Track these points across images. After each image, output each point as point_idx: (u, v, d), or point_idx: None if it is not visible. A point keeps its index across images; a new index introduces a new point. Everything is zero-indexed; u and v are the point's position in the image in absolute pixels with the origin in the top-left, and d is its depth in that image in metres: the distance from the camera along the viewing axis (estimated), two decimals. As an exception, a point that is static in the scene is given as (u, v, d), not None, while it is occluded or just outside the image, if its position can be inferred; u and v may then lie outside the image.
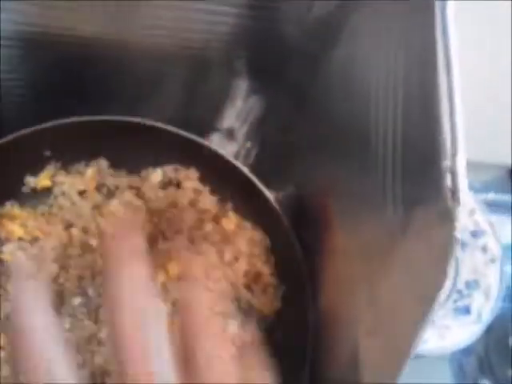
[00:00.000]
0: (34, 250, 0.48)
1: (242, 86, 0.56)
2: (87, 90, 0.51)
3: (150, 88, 0.53)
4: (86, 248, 0.49)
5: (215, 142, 0.63)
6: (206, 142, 0.53)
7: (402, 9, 0.32)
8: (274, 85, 0.54)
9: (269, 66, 0.51)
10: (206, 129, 0.62)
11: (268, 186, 0.60)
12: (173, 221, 0.50)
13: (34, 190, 0.52)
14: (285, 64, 0.51)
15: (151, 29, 0.46)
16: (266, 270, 0.51)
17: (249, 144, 0.64)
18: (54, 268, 0.48)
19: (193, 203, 0.51)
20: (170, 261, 0.47)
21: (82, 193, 0.52)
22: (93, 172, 0.53)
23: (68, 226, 0.50)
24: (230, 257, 0.50)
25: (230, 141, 0.65)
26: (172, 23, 0.45)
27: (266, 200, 0.52)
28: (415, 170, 0.29)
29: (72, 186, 0.52)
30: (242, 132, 0.64)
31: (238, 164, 0.52)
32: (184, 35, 0.47)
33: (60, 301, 0.47)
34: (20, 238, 0.49)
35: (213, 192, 0.53)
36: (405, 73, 0.31)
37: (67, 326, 0.46)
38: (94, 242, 0.49)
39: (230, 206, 0.53)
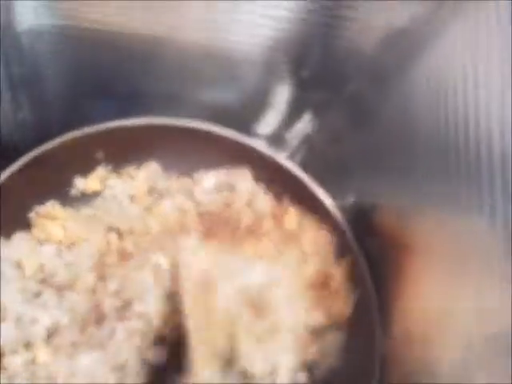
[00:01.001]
0: (71, 257, 0.46)
1: (287, 91, 0.53)
2: (124, 89, 0.50)
3: (192, 88, 0.52)
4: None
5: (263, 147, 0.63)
6: (259, 144, 0.52)
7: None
8: (332, 96, 0.52)
9: (327, 77, 0.49)
10: (248, 133, 0.61)
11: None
12: (228, 222, 0.48)
13: (83, 193, 0.50)
14: (347, 77, 0.48)
15: (195, 28, 0.44)
16: (337, 272, 0.48)
17: (298, 151, 0.62)
18: (90, 278, 0.46)
19: (249, 203, 0.49)
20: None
21: (132, 197, 0.50)
22: (144, 175, 0.51)
23: (110, 229, 0.48)
24: (295, 256, 0.47)
25: (276, 147, 0.64)
26: (217, 24, 0.43)
27: (324, 207, 0.50)
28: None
29: (123, 189, 0.50)
30: (291, 139, 0.63)
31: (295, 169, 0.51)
32: (228, 37, 0.45)
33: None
34: (59, 241, 0.47)
35: (268, 189, 0.51)
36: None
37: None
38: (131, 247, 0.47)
39: (288, 202, 0.50)
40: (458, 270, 0.35)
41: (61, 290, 0.45)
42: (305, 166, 0.61)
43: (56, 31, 0.43)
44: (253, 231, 0.48)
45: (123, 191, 0.49)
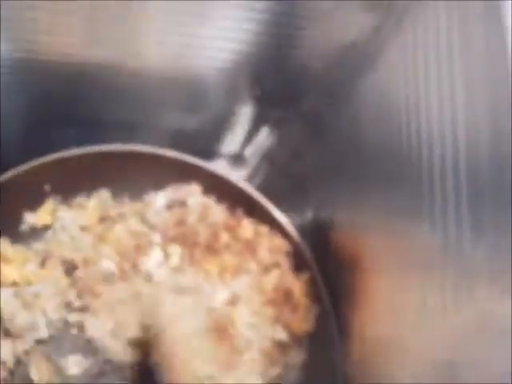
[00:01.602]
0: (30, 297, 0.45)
1: (248, 110, 0.54)
2: (86, 117, 0.50)
3: (153, 113, 0.52)
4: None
5: (221, 167, 0.62)
6: (205, 164, 0.51)
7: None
8: (289, 113, 0.53)
9: (283, 94, 0.50)
10: (210, 154, 0.62)
11: (283, 209, 0.58)
12: (186, 238, 0.48)
13: (34, 228, 0.49)
14: (302, 93, 0.49)
15: (154, 54, 0.44)
16: (296, 287, 0.47)
17: (259, 168, 0.62)
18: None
19: (202, 217, 0.48)
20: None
21: (83, 227, 0.49)
22: (95, 204, 0.50)
23: (64, 263, 0.47)
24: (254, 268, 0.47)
25: (237, 165, 0.64)
26: (177, 49, 0.44)
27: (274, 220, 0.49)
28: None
29: (74, 220, 0.49)
30: (251, 156, 0.63)
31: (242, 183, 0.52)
32: (188, 61, 0.45)
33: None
34: (15, 283, 0.45)
35: (219, 201, 0.50)
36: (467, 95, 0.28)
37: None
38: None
39: (241, 212, 0.50)
40: (403, 288, 0.35)
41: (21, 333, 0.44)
42: (266, 183, 0.63)
43: (14, 62, 0.43)
44: (211, 246, 0.48)
45: (74, 222, 0.48)
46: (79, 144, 0.49)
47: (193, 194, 0.50)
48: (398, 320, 0.36)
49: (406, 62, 0.35)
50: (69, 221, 0.49)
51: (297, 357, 0.46)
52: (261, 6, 0.38)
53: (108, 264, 0.45)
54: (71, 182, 0.49)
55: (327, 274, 0.47)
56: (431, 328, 0.31)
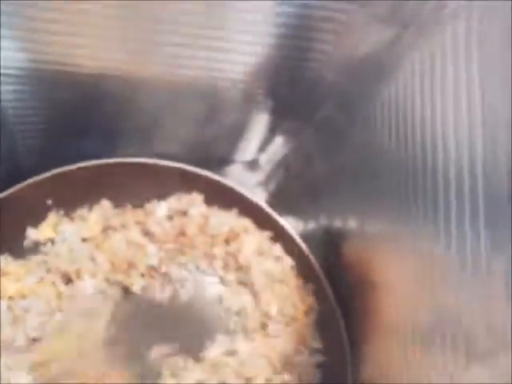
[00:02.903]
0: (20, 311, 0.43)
1: (263, 120, 0.53)
2: (100, 127, 0.49)
3: (167, 122, 0.51)
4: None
5: (236, 173, 0.60)
6: (208, 173, 0.50)
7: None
8: (303, 122, 0.52)
9: (298, 105, 0.49)
10: (225, 161, 0.60)
11: (295, 215, 0.56)
12: (184, 249, 0.46)
13: (37, 243, 0.48)
14: (317, 104, 0.48)
15: (170, 66, 0.43)
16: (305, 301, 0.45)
17: (274, 174, 0.61)
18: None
19: (202, 228, 0.47)
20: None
21: (84, 239, 0.48)
22: (97, 216, 0.48)
23: (58, 274, 0.46)
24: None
25: (252, 171, 0.61)
26: (191, 61, 0.43)
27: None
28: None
29: (75, 232, 0.47)
30: (265, 163, 0.61)
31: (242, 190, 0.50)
32: (203, 73, 0.44)
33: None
34: (10, 297, 0.44)
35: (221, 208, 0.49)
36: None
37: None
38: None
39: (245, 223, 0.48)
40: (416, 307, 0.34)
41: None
42: (280, 190, 0.60)
43: (29, 73, 0.42)
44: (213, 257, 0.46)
45: (75, 234, 0.47)
46: (94, 154, 0.49)
47: (194, 203, 0.48)
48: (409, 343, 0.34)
49: (423, 74, 0.34)
50: (70, 233, 0.47)
51: (310, 373, 0.44)
52: (276, 20, 0.37)
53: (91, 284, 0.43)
54: (73, 195, 0.48)
55: (340, 290, 0.45)
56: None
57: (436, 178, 0.32)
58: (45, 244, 0.48)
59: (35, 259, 0.47)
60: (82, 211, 0.49)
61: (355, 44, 0.39)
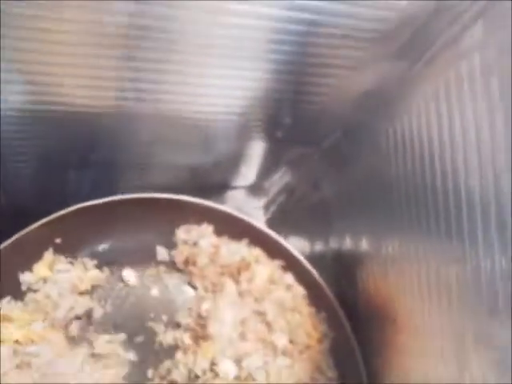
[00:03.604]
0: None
1: (265, 149, 0.52)
2: (102, 161, 0.49)
3: (167, 154, 0.51)
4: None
5: (238, 198, 0.60)
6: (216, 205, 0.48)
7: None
8: (308, 150, 0.52)
9: (303, 134, 0.49)
10: (226, 187, 0.60)
11: (301, 237, 0.55)
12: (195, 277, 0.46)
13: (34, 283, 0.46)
14: (322, 134, 0.49)
15: (165, 102, 0.42)
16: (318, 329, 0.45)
17: (276, 198, 0.61)
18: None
19: (212, 258, 0.46)
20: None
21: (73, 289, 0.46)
22: (92, 275, 0.47)
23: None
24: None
25: (255, 196, 0.61)
26: (188, 98, 0.42)
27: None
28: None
29: (68, 278, 0.46)
30: (269, 189, 0.61)
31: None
32: (202, 108, 0.43)
33: None
34: (16, 341, 0.42)
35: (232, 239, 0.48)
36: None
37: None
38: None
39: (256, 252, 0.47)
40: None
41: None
42: (285, 212, 0.60)
43: (24, 114, 0.41)
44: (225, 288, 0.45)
45: (68, 280, 0.46)
46: (97, 189, 0.48)
47: (204, 234, 0.47)
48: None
49: (429, 108, 0.35)
50: (63, 277, 0.46)
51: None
52: (278, 59, 0.37)
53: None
54: (76, 236, 0.47)
55: (353, 313, 0.45)
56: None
57: (448, 200, 0.32)
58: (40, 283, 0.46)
59: (29, 296, 0.45)
60: (84, 255, 0.48)
61: (364, 79, 0.39)
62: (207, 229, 0.48)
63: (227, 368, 0.43)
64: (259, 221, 0.51)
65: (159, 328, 0.46)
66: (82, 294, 0.46)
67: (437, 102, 0.34)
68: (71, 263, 0.47)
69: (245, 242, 0.47)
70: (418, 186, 0.36)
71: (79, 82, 0.37)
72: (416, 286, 0.36)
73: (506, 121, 0.27)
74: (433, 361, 0.34)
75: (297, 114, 0.45)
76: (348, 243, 0.49)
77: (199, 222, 0.48)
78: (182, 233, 0.48)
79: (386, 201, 0.41)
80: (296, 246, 0.49)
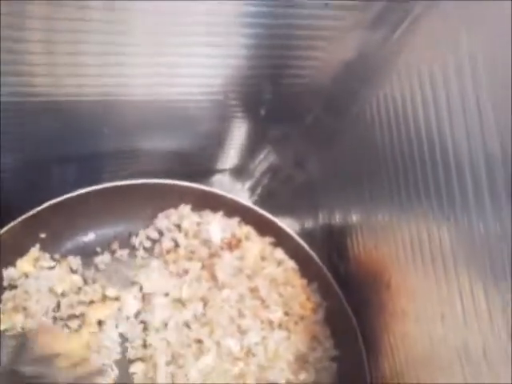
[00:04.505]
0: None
1: (248, 128, 0.52)
2: (84, 151, 0.48)
3: (149, 140, 0.51)
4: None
5: (225, 181, 0.61)
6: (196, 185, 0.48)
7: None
8: (292, 128, 0.52)
9: (286, 112, 0.49)
10: (213, 170, 0.60)
11: (290, 216, 0.56)
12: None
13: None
14: (305, 109, 0.48)
15: (146, 86, 0.42)
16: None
17: (262, 179, 0.61)
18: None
19: (195, 235, 0.46)
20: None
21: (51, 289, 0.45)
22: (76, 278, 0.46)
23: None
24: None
25: (241, 178, 0.62)
26: (168, 79, 0.42)
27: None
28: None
29: (48, 277, 0.45)
30: (254, 170, 0.61)
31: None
32: (182, 90, 0.43)
33: None
34: None
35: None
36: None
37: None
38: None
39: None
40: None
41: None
42: (271, 193, 0.60)
43: (9, 106, 0.40)
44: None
45: (48, 278, 0.45)
46: (81, 179, 0.48)
47: (184, 215, 0.48)
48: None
49: (411, 77, 0.35)
50: (44, 275, 0.45)
51: (328, 372, 0.44)
52: (260, 33, 0.37)
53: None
54: (59, 229, 0.47)
55: (346, 284, 0.45)
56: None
57: (436, 168, 0.32)
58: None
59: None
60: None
61: (344, 50, 0.39)
62: (185, 209, 0.48)
63: (231, 345, 0.43)
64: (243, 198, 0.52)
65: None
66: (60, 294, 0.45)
67: (419, 70, 0.34)
68: (57, 261, 0.46)
69: (235, 219, 0.48)
70: (404, 153, 0.36)
71: (56, 70, 0.37)
72: (409, 251, 0.37)
73: (492, 84, 0.27)
74: (431, 324, 0.34)
75: (277, 90, 0.44)
76: (337, 217, 0.49)
77: (179, 204, 0.48)
78: (162, 220, 0.48)
79: (373, 171, 0.41)
80: (287, 226, 0.49)
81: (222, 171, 0.61)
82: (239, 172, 0.61)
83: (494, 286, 0.27)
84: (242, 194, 0.63)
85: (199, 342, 0.43)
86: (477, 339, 0.29)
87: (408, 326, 0.37)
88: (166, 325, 0.44)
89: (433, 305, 0.33)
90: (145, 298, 0.45)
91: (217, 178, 0.61)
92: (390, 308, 0.40)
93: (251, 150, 0.57)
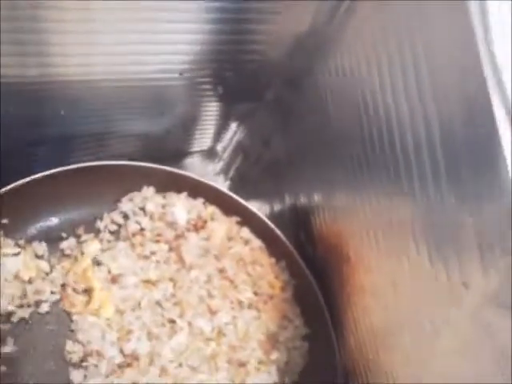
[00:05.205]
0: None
1: (214, 108, 0.52)
2: (55, 134, 0.47)
3: (118, 122, 0.50)
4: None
5: (196, 164, 0.60)
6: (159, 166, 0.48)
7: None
8: (254, 105, 0.52)
9: (247, 88, 0.49)
10: (182, 153, 0.60)
11: (260, 197, 0.56)
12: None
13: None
14: (265, 85, 0.48)
15: (111, 65, 0.42)
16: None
17: (233, 161, 0.61)
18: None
19: (161, 217, 0.46)
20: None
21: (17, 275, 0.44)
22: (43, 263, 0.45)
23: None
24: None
25: (211, 161, 0.61)
26: (131, 57, 0.41)
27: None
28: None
29: (14, 263, 0.44)
30: (223, 151, 0.61)
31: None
32: (146, 68, 0.43)
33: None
34: None
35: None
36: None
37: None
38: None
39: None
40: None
41: None
42: (241, 176, 0.60)
43: None
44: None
45: (13, 264, 0.44)
46: (47, 164, 0.46)
47: (148, 197, 0.47)
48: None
49: (366, 44, 0.34)
50: (9, 262, 0.44)
51: (299, 351, 0.45)
52: (212, 7, 0.36)
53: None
54: (22, 213, 0.45)
55: (313, 262, 0.45)
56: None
57: (394, 143, 0.32)
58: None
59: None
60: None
61: (296, 21, 0.39)
62: (148, 191, 0.47)
63: (202, 325, 0.43)
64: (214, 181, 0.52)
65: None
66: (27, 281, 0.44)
67: (363, 41, 0.34)
68: (22, 247, 0.46)
69: (200, 200, 0.47)
70: (362, 129, 0.36)
71: (22, 49, 0.36)
72: (368, 226, 0.37)
73: (429, 55, 0.27)
74: (385, 295, 0.34)
75: (237, 67, 0.44)
76: (302, 199, 0.49)
77: (142, 186, 0.48)
78: (126, 203, 0.48)
79: (332, 149, 0.41)
80: (257, 209, 0.50)
81: (192, 153, 0.61)
82: (210, 154, 0.61)
83: (437, 251, 0.27)
84: (215, 177, 0.63)
85: (172, 321, 0.43)
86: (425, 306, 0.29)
87: (367, 299, 0.38)
88: (139, 304, 0.44)
89: (386, 274, 0.34)
90: (114, 279, 0.45)
91: (188, 161, 0.61)
92: (351, 283, 0.40)
93: (219, 130, 0.57)
